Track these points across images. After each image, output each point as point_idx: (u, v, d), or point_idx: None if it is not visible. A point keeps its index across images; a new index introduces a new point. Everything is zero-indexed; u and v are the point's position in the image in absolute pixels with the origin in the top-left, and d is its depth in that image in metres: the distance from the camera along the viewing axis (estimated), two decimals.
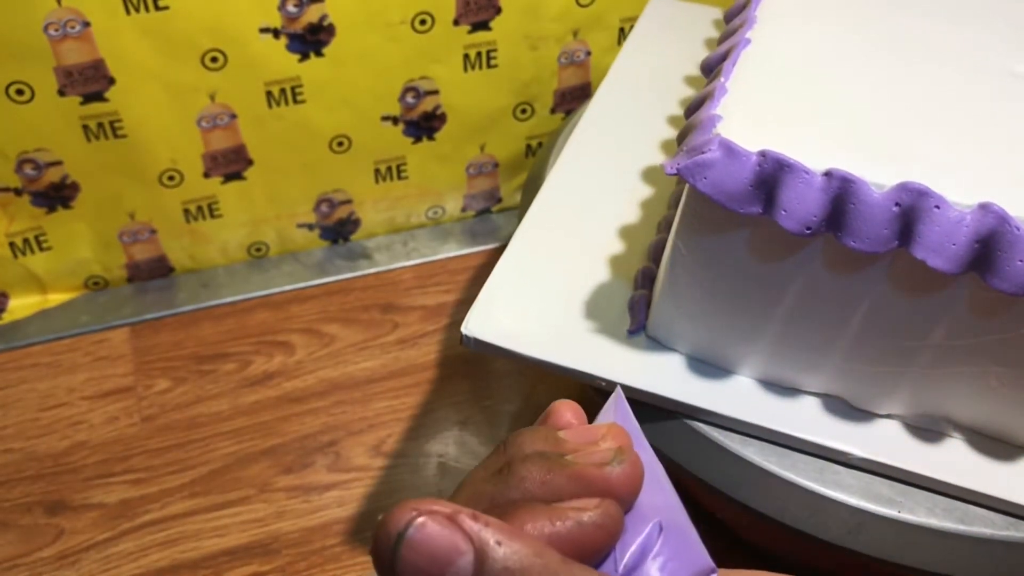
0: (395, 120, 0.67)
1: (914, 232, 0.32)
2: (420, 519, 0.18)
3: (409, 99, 0.66)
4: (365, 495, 0.57)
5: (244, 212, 0.69)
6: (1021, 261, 0.31)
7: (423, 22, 0.62)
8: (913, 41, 0.40)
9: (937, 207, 0.32)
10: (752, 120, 0.35)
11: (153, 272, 0.70)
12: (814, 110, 0.36)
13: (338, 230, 0.73)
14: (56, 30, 0.55)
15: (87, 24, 0.55)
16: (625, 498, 0.21)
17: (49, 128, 0.59)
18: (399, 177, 0.71)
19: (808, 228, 0.33)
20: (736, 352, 0.40)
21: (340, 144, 0.67)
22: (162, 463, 0.58)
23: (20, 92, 0.57)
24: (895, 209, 0.32)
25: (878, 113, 0.36)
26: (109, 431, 0.60)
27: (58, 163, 0.61)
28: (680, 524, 0.21)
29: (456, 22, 0.63)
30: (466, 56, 0.65)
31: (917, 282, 0.34)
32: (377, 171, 0.70)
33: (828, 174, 0.33)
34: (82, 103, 0.58)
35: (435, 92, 0.66)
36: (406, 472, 0.58)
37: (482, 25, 0.63)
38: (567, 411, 0.23)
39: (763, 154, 0.33)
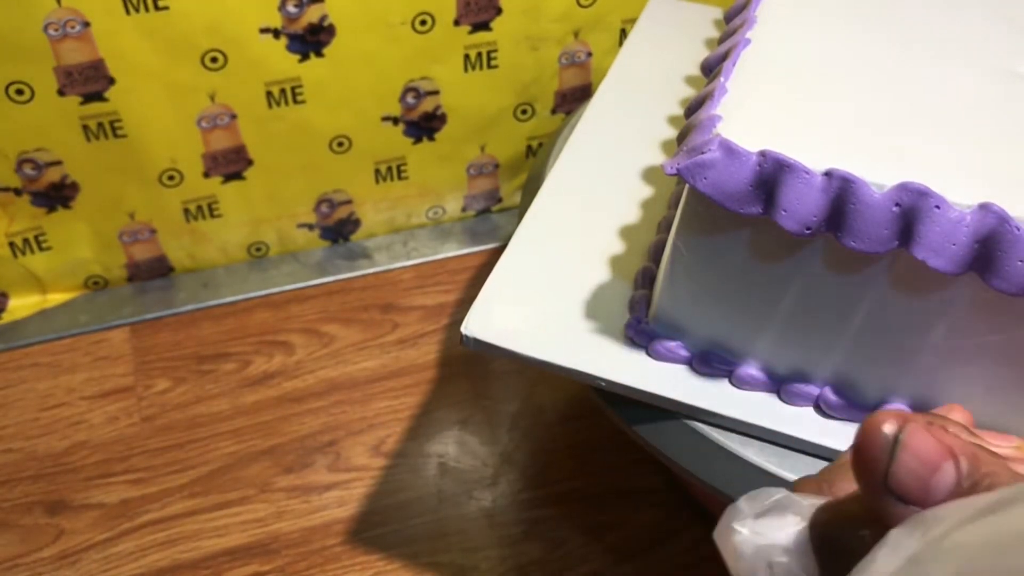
0: (395, 120, 0.67)
1: (914, 232, 0.32)
2: (910, 426, 0.19)
3: (409, 99, 0.66)
4: (365, 495, 0.57)
5: (244, 212, 0.69)
6: (1021, 261, 0.31)
7: (423, 22, 0.62)
8: (913, 41, 0.40)
9: (937, 207, 0.32)
10: (752, 120, 0.35)
11: (153, 272, 0.70)
12: (814, 110, 0.36)
13: (338, 230, 0.73)
14: (56, 30, 0.55)
15: (87, 24, 0.55)
16: None
17: (49, 128, 0.59)
18: (399, 177, 0.71)
19: (808, 228, 0.33)
20: (736, 352, 0.40)
21: (340, 144, 0.67)
22: (162, 463, 0.58)
23: (20, 92, 0.57)
24: (895, 209, 0.32)
25: (878, 113, 0.36)
26: (109, 431, 0.60)
27: (58, 163, 0.61)
28: None
29: (456, 22, 0.63)
30: (466, 56, 0.65)
31: (917, 282, 0.34)
32: (377, 171, 0.70)
33: (828, 174, 0.33)
34: (82, 103, 0.58)
35: (435, 92, 0.66)
36: (406, 472, 0.58)
37: (483, 26, 0.63)
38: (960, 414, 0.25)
39: (763, 154, 0.33)
